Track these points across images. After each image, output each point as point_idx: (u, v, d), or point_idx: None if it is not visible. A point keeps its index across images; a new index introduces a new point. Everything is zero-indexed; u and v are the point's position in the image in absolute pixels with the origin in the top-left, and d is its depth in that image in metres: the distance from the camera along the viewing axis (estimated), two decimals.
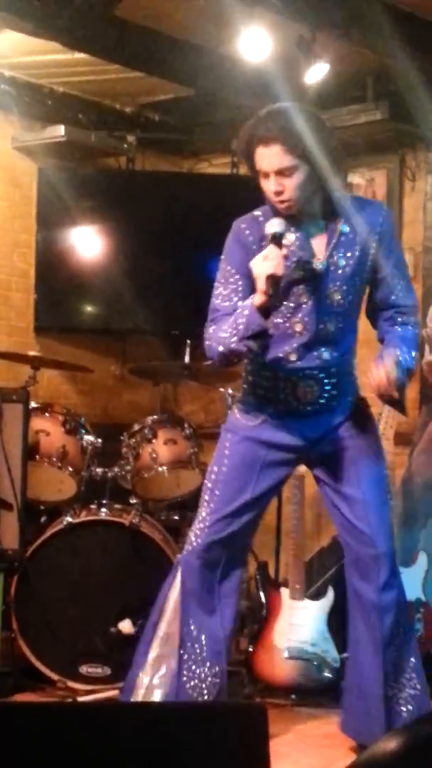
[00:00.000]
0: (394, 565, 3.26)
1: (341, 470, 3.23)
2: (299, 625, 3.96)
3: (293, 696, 3.90)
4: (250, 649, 3.97)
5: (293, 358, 3.14)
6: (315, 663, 3.90)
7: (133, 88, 5.24)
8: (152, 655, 3.26)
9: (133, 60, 4.70)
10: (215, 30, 4.41)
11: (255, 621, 4.15)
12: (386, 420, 4.29)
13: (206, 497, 3.27)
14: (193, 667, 3.20)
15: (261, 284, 2.92)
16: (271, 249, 2.94)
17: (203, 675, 3.20)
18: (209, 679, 3.20)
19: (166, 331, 5.45)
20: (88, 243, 5.35)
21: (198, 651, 3.21)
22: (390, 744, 2.03)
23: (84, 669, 3.94)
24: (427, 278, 5.19)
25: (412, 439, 4.67)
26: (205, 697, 3.15)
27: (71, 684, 3.92)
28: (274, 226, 2.99)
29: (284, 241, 3.00)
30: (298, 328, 3.12)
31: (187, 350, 4.64)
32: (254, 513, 3.27)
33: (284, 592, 4.02)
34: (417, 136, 5.14)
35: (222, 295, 3.15)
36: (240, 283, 3.11)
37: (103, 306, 5.54)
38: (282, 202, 3.04)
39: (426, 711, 3.20)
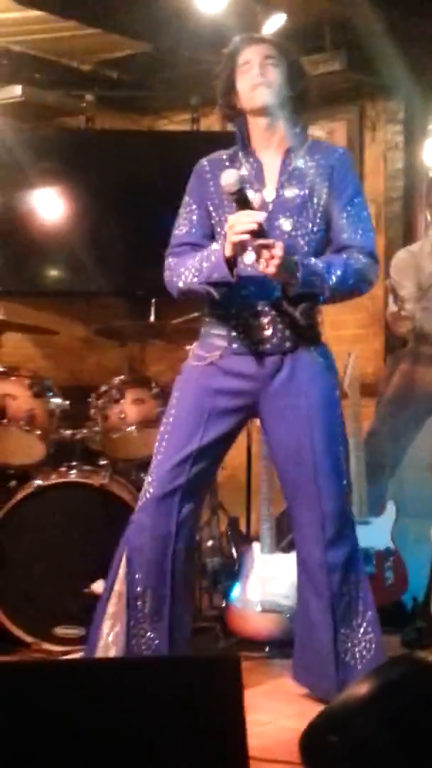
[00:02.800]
0: (343, 523, 3.20)
1: (292, 428, 3.16)
2: (272, 578, 3.98)
3: (267, 649, 3.93)
4: (224, 605, 4.00)
5: (245, 293, 3.10)
6: (288, 615, 3.93)
7: (89, 46, 5.18)
8: (108, 612, 3.24)
9: (87, 16, 4.65)
10: None
11: (228, 576, 4.17)
12: (351, 371, 4.30)
13: (155, 450, 3.23)
14: (136, 624, 3.17)
15: (235, 238, 2.92)
16: (246, 212, 2.93)
17: (143, 632, 3.18)
18: (149, 634, 3.18)
19: (131, 291, 5.43)
20: (48, 205, 5.30)
21: (141, 608, 3.18)
22: (361, 689, 2.07)
23: (58, 630, 3.94)
24: (389, 229, 5.20)
25: (378, 390, 4.69)
26: (144, 653, 3.13)
27: (46, 646, 3.92)
28: (231, 178, 2.94)
29: (238, 173, 2.99)
30: (248, 259, 3.07)
31: (153, 309, 4.63)
32: (205, 464, 3.18)
33: (255, 546, 4.04)
34: (376, 86, 5.14)
35: (181, 224, 3.23)
36: (197, 213, 3.20)
37: (67, 268, 5.51)
38: (257, 87, 3.10)
39: (380, 662, 3.15)
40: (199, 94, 5.60)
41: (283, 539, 4.12)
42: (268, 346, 3.14)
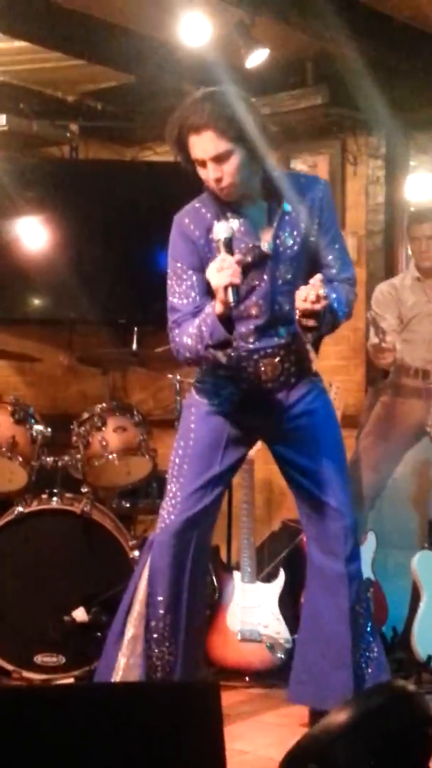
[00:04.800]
0: (356, 539, 3.32)
1: (303, 446, 3.24)
2: (251, 607, 3.99)
3: (247, 678, 3.93)
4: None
5: (252, 339, 3.16)
6: (268, 644, 3.93)
7: (74, 77, 5.22)
8: (128, 635, 3.24)
9: (72, 47, 4.69)
10: (154, 15, 4.41)
11: (208, 605, 4.17)
12: (333, 401, 4.32)
13: (174, 473, 3.24)
14: (154, 646, 3.19)
15: (220, 295, 2.92)
16: (224, 257, 2.94)
17: (161, 653, 3.20)
18: (166, 657, 3.20)
19: (113, 319, 5.45)
20: (32, 233, 5.32)
21: (161, 629, 3.20)
22: (340, 716, 2.07)
23: (39, 658, 3.94)
24: (370, 262, 5.24)
25: (359, 422, 4.71)
26: (158, 675, 3.16)
27: (26, 674, 3.92)
28: (222, 232, 2.97)
29: (231, 226, 3.01)
30: (254, 311, 3.14)
31: (135, 338, 4.65)
32: (221, 488, 3.27)
33: (236, 575, 4.05)
34: (358, 121, 5.19)
35: (178, 293, 3.13)
36: (194, 278, 3.11)
37: (50, 296, 5.52)
38: (222, 189, 3.03)
39: (383, 673, 3.26)
40: None
41: (264, 569, 4.13)
42: (276, 384, 3.21)
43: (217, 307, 2.95)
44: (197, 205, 3.15)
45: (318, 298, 2.91)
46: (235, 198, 3.08)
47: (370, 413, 4.64)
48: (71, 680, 3.88)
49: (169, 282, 3.17)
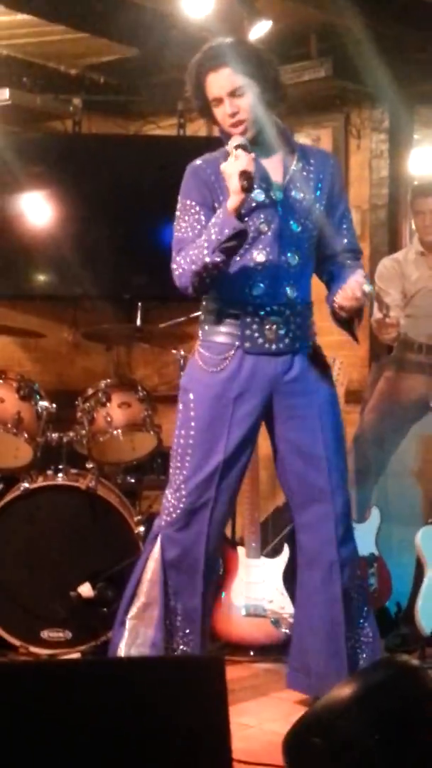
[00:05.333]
0: (350, 520, 3.28)
1: (303, 425, 3.20)
2: (256, 582, 4.00)
3: (252, 653, 3.95)
4: None
5: (257, 292, 3.12)
6: (273, 620, 3.95)
7: (77, 50, 5.19)
8: (130, 624, 3.25)
9: (74, 20, 4.66)
10: None
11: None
12: (336, 378, 4.32)
13: (177, 464, 3.19)
14: (170, 639, 3.20)
15: (234, 182, 2.91)
16: (238, 153, 2.95)
17: (175, 645, 3.21)
18: (181, 647, 3.21)
19: (118, 295, 5.45)
20: (36, 208, 5.31)
21: (174, 620, 3.21)
22: (344, 691, 2.09)
23: (45, 634, 3.96)
24: (374, 236, 5.22)
25: (363, 397, 4.71)
26: None
27: (33, 649, 3.94)
28: (236, 140, 3.01)
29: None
30: (260, 258, 3.09)
31: (139, 313, 4.64)
32: (232, 473, 3.19)
33: (241, 551, 4.06)
34: (361, 94, 5.16)
35: (184, 227, 3.12)
36: (201, 213, 3.08)
37: (54, 272, 5.51)
38: (237, 123, 3.06)
39: (377, 657, 3.25)
40: (186, 99, 5.61)
41: (269, 544, 4.14)
42: (281, 345, 3.16)
43: (230, 201, 2.93)
44: (212, 154, 3.19)
45: (362, 292, 2.96)
46: (249, 136, 3.06)
47: (374, 388, 4.64)
48: (77, 655, 3.90)
49: (175, 223, 3.15)
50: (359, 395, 4.76)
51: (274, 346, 3.15)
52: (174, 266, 3.09)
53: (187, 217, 3.12)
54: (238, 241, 2.95)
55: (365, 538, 4.20)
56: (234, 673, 3.64)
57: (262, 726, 3.20)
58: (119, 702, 2.03)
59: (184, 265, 3.05)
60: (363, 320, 3.19)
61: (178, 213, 3.16)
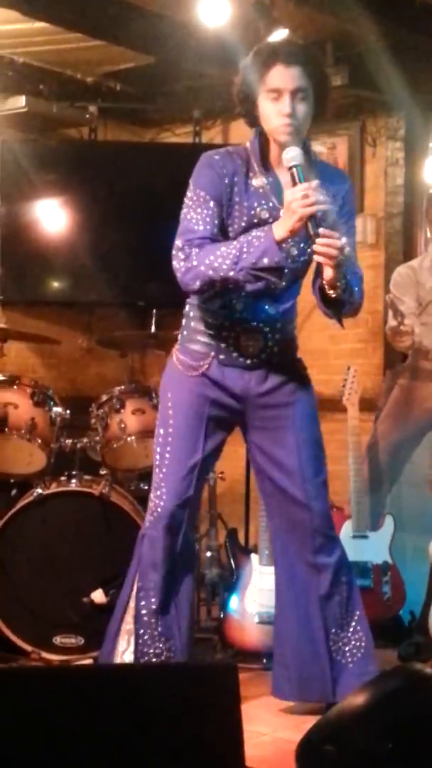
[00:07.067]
0: (330, 525, 3.26)
1: (278, 437, 3.20)
2: (269, 590, 3.99)
3: (264, 660, 3.94)
4: (222, 616, 4.01)
5: (239, 307, 3.10)
6: None
7: (93, 58, 5.22)
8: (123, 630, 3.25)
9: (91, 28, 4.68)
10: None
11: (226, 588, 4.18)
12: (351, 386, 4.32)
13: (157, 462, 3.21)
14: (149, 642, 3.18)
15: (298, 224, 2.83)
16: (314, 192, 2.83)
17: (158, 651, 3.19)
18: (164, 654, 3.19)
19: (132, 302, 5.46)
20: (51, 215, 5.33)
21: (154, 625, 3.19)
22: (357, 699, 2.08)
23: (58, 640, 3.96)
24: (389, 244, 5.22)
25: (377, 405, 4.70)
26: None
27: (45, 655, 3.94)
28: (297, 154, 2.90)
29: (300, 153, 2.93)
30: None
31: (153, 320, 4.66)
32: (204, 474, 3.24)
33: (254, 558, 4.06)
34: (377, 102, 5.16)
35: (195, 218, 3.01)
36: (215, 210, 3.01)
37: (69, 278, 5.53)
38: (287, 126, 2.96)
39: (370, 664, 3.23)
40: (202, 107, 5.64)
41: None
42: (255, 360, 3.16)
43: (279, 230, 2.86)
44: (230, 149, 3.12)
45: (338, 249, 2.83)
46: (288, 143, 2.95)
47: (388, 396, 4.63)
48: (90, 661, 3.90)
49: (185, 210, 3.05)
50: (373, 403, 4.75)
51: (248, 361, 3.16)
52: (181, 255, 2.99)
53: (199, 209, 3.02)
54: (270, 273, 2.89)
55: (379, 546, 4.19)
56: (247, 680, 3.63)
57: (274, 734, 3.19)
58: (131, 709, 2.03)
59: (196, 262, 2.95)
60: (347, 304, 3.03)
61: (188, 201, 3.06)
